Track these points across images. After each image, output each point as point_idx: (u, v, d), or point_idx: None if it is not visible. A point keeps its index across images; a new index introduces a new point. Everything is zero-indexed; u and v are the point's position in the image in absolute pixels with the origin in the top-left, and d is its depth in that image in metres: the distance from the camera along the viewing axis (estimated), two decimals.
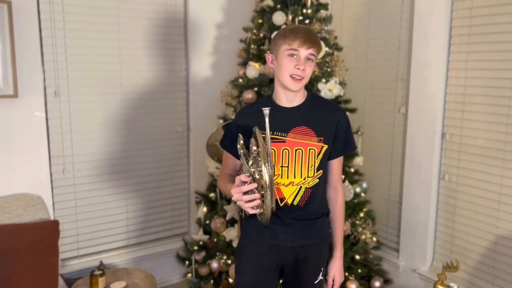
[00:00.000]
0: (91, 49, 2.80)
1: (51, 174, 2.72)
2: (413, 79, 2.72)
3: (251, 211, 1.50)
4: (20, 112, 2.54)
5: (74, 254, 2.92)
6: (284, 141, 1.65)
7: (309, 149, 1.65)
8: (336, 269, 1.81)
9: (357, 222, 2.71)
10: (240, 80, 2.76)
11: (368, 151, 3.08)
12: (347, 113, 2.66)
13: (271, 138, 1.62)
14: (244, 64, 2.78)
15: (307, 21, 2.60)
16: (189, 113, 3.20)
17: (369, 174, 3.04)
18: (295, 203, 1.67)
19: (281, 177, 1.66)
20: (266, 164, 1.44)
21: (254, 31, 2.71)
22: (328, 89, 2.58)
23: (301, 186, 1.66)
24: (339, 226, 1.79)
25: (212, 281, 2.84)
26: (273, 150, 1.63)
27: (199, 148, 3.19)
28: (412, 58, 2.72)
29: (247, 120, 1.66)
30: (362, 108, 3.07)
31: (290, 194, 1.67)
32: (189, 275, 2.95)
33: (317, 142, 1.66)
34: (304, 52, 1.58)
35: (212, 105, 3.14)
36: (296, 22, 2.58)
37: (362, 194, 2.80)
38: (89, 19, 2.77)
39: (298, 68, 1.58)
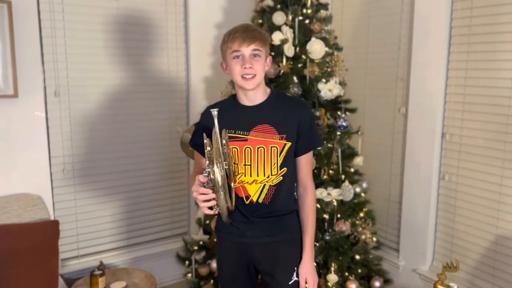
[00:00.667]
0: (91, 49, 2.80)
1: (51, 174, 2.72)
2: (413, 79, 2.72)
3: (207, 211, 1.56)
4: (20, 112, 2.54)
5: (74, 254, 2.92)
6: (246, 140, 1.66)
7: (271, 147, 1.66)
8: (306, 270, 1.76)
9: (357, 222, 2.70)
10: None
11: (368, 151, 3.08)
12: (347, 113, 2.69)
13: (233, 137, 1.66)
14: None
15: (307, 21, 2.60)
16: (189, 113, 3.20)
17: (369, 174, 3.04)
18: (260, 200, 1.69)
19: (245, 176, 1.68)
20: (218, 164, 1.48)
21: None
22: (328, 89, 2.58)
23: (265, 184, 1.68)
24: (308, 226, 1.76)
25: (212, 281, 2.84)
26: (235, 149, 1.66)
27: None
28: (412, 58, 2.72)
29: (209, 121, 1.62)
30: (362, 108, 3.07)
31: (254, 192, 1.69)
32: (189, 275, 2.95)
33: (279, 139, 1.66)
34: (246, 50, 1.59)
35: None
36: (296, 22, 2.58)
37: (362, 194, 2.80)
38: (89, 19, 2.76)
39: (245, 68, 1.59)
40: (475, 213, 2.52)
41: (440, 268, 2.45)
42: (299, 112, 1.70)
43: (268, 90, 1.74)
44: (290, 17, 2.58)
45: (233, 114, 1.69)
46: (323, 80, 2.60)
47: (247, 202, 1.70)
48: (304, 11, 2.60)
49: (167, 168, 3.18)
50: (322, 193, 2.52)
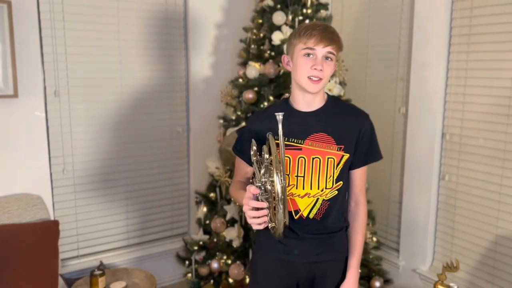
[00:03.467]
0: (91, 49, 2.80)
1: (51, 174, 2.72)
2: (413, 79, 2.72)
3: (257, 227, 1.38)
4: (20, 112, 2.54)
5: (74, 254, 2.92)
6: (301, 149, 1.52)
7: (328, 158, 1.52)
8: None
9: None
10: (240, 80, 2.76)
11: None
12: None
13: (286, 145, 1.50)
14: (244, 64, 2.78)
15: (307, 21, 2.60)
16: (189, 113, 3.20)
17: (369, 174, 3.00)
18: (311, 216, 1.54)
19: (296, 188, 1.53)
20: (279, 174, 1.32)
21: (254, 31, 2.71)
22: (328, 89, 2.58)
23: (318, 198, 1.53)
24: (357, 244, 1.61)
25: (212, 281, 2.84)
26: (288, 158, 1.52)
27: (199, 148, 3.20)
28: (412, 58, 2.72)
29: (261, 125, 1.54)
30: (362, 108, 3.06)
31: (305, 206, 1.54)
32: (189, 275, 2.95)
33: (337, 150, 1.52)
34: (321, 50, 1.46)
35: (212, 105, 3.14)
36: (296, 22, 2.58)
37: None
38: (89, 19, 2.77)
39: (315, 69, 1.45)
40: (475, 213, 2.52)
41: (440, 268, 2.45)
42: (360, 121, 1.57)
43: (326, 96, 1.60)
44: (290, 17, 2.58)
45: (287, 120, 1.49)
46: None
47: (296, 217, 1.54)
48: (304, 11, 2.60)
49: (167, 168, 3.18)
50: None
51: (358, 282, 2.60)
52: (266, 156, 1.39)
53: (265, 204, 1.35)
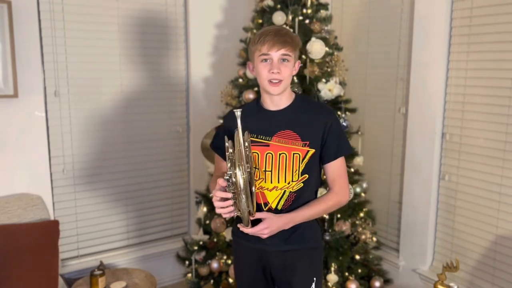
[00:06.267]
0: (91, 49, 2.80)
1: (51, 174, 2.72)
2: (413, 79, 2.72)
3: (226, 216, 1.51)
4: (20, 112, 2.54)
5: (74, 254, 2.92)
6: (268, 145, 1.62)
7: (293, 154, 1.61)
8: (273, 221, 1.58)
9: (357, 222, 2.70)
10: (240, 80, 2.76)
11: (368, 151, 3.08)
12: (347, 113, 2.69)
13: (255, 142, 1.62)
14: (244, 64, 2.78)
15: (307, 21, 2.60)
16: (189, 113, 3.20)
17: (369, 174, 3.04)
18: (279, 207, 1.64)
19: (265, 182, 1.63)
20: (240, 167, 1.43)
21: (254, 31, 2.71)
22: (328, 89, 2.58)
23: (285, 191, 1.63)
24: (312, 205, 1.65)
25: (212, 281, 2.84)
26: (256, 154, 1.62)
27: (199, 148, 3.19)
28: (412, 58, 2.72)
29: (232, 123, 1.59)
30: (362, 108, 3.07)
31: (274, 198, 1.64)
32: (189, 275, 2.95)
33: (302, 146, 1.61)
34: (276, 54, 1.55)
35: (212, 105, 3.14)
36: (296, 22, 2.58)
37: (362, 194, 2.80)
38: (89, 19, 2.77)
39: (272, 72, 1.55)
40: (475, 213, 2.52)
41: (440, 268, 2.45)
42: (324, 118, 1.64)
43: (293, 95, 1.69)
44: (290, 17, 2.58)
45: (256, 118, 1.65)
46: (323, 80, 2.60)
47: (265, 209, 1.65)
48: (304, 11, 2.60)
49: (167, 168, 3.18)
50: (322, 193, 2.51)
51: (359, 282, 2.60)
52: (230, 150, 1.48)
53: (229, 195, 1.46)
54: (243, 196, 1.44)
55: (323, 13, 2.67)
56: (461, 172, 2.57)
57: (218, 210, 1.50)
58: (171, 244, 3.22)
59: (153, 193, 3.16)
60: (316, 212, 1.67)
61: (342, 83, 2.69)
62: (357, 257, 2.66)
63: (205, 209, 2.90)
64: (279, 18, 2.57)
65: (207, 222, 2.86)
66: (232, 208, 1.49)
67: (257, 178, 1.64)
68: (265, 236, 1.59)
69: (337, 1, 3.27)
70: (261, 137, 1.63)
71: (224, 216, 1.52)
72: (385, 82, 2.99)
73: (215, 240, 2.78)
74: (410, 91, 2.75)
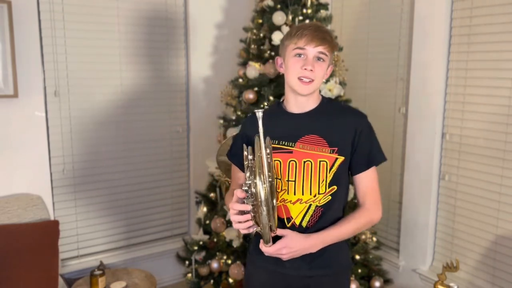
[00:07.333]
0: (91, 49, 2.80)
1: (51, 174, 2.72)
2: (413, 79, 2.72)
3: (244, 231, 1.33)
4: (20, 112, 2.54)
5: (74, 254, 2.92)
6: (291, 152, 1.44)
7: (320, 161, 1.43)
8: (293, 241, 1.38)
9: None
10: (240, 80, 2.76)
11: None
12: None
13: (277, 148, 1.45)
14: (244, 64, 2.78)
15: (307, 21, 2.60)
16: (189, 113, 3.20)
17: None
18: (304, 224, 1.44)
19: (288, 193, 1.44)
20: (261, 176, 1.26)
21: (254, 31, 2.71)
22: (328, 89, 2.58)
23: (310, 204, 1.44)
24: (342, 224, 1.45)
25: (212, 281, 2.84)
26: (278, 162, 1.45)
27: (199, 148, 3.20)
28: (412, 58, 2.72)
29: (251, 128, 1.45)
30: (362, 108, 3.03)
31: (298, 213, 1.44)
32: (189, 275, 2.95)
33: (330, 153, 1.43)
34: (312, 50, 1.40)
35: (212, 105, 3.14)
36: (296, 22, 2.58)
37: None
38: (89, 19, 2.77)
39: (305, 69, 1.40)
40: (475, 213, 2.52)
41: (440, 268, 2.45)
42: (354, 122, 1.47)
43: (321, 98, 1.53)
44: (290, 17, 2.58)
45: (277, 122, 1.47)
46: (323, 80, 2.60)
47: (288, 225, 1.44)
48: (304, 11, 2.60)
49: (167, 168, 3.18)
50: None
51: (359, 282, 2.60)
52: (250, 157, 1.34)
53: (248, 207, 1.29)
54: (264, 208, 1.26)
55: (323, 13, 2.67)
56: (461, 172, 2.57)
57: (235, 226, 1.31)
58: (171, 244, 3.22)
59: (153, 193, 3.16)
60: (346, 233, 1.46)
61: (342, 83, 2.69)
62: (357, 257, 2.66)
63: (205, 209, 2.90)
64: (279, 18, 2.57)
65: (207, 222, 2.86)
66: (251, 222, 1.31)
67: (279, 190, 1.46)
68: (285, 258, 1.39)
69: (337, 1, 3.28)
70: (283, 143, 1.45)
71: (242, 232, 1.33)
72: (385, 82, 2.99)
73: (215, 240, 2.78)
74: (410, 91, 2.75)
